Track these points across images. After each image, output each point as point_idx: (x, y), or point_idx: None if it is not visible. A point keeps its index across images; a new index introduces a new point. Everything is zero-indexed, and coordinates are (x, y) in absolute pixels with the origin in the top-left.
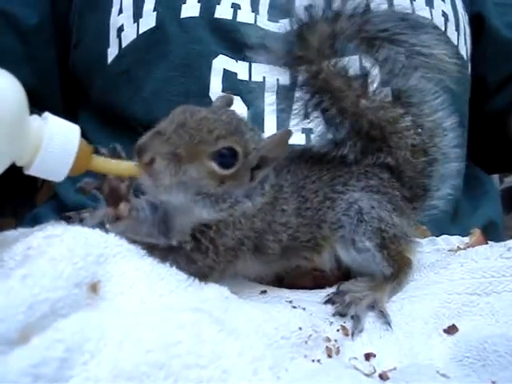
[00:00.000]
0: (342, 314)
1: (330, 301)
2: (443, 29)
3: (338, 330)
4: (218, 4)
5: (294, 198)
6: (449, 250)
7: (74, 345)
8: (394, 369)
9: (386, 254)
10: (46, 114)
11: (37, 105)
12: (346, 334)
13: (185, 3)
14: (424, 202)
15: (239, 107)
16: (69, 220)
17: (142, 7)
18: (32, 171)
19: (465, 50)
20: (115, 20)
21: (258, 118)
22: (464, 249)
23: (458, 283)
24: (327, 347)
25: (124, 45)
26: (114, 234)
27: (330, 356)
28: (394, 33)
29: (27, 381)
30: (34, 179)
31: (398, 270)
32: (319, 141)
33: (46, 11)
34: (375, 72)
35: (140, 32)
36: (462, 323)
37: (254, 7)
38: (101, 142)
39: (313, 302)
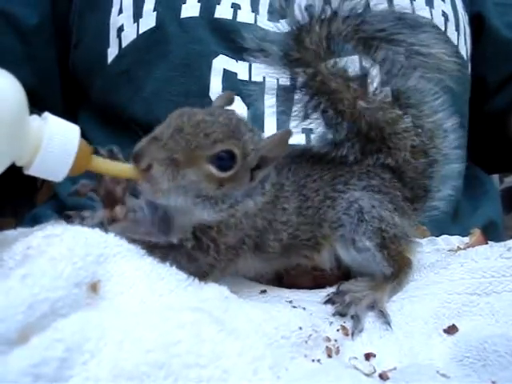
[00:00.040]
0: (341, 314)
1: (330, 301)
2: (443, 29)
3: (337, 330)
4: (218, 4)
5: (295, 197)
6: (449, 250)
7: (74, 344)
8: (394, 369)
9: (386, 254)
10: (46, 114)
11: (37, 105)
12: (346, 334)
13: (185, 3)
14: (425, 203)
15: (239, 107)
16: (69, 219)
17: (142, 7)
18: (32, 171)
19: (465, 49)
20: (115, 20)
21: (258, 119)
22: (464, 249)
23: (458, 283)
24: (327, 347)
25: (124, 45)
26: (114, 234)
27: (329, 356)
28: (391, 32)
29: (27, 381)
30: (34, 179)
31: (398, 269)
32: (319, 141)
33: (46, 11)
34: (375, 72)
35: (140, 32)
36: (462, 323)
37: (254, 7)
38: (101, 142)
39: (313, 301)
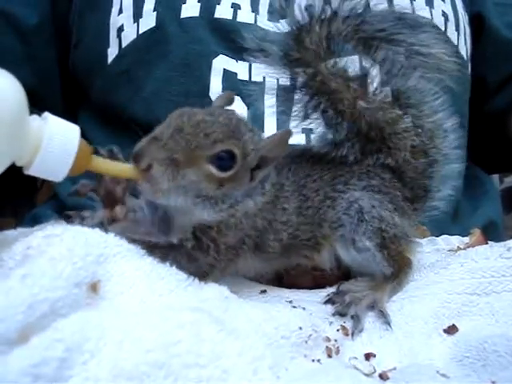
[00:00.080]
0: (341, 314)
1: (329, 301)
2: (443, 29)
3: (337, 330)
4: (218, 4)
5: (295, 197)
6: (449, 250)
7: (74, 344)
8: (394, 369)
9: (386, 254)
10: (46, 114)
11: (37, 105)
12: (346, 334)
13: (185, 3)
14: (425, 203)
15: (239, 107)
16: (69, 219)
17: (142, 7)
18: (32, 171)
19: (465, 49)
20: (115, 20)
21: (258, 119)
22: (464, 249)
23: (457, 283)
24: (327, 347)
25: (124, 45)
26: (114, 234)
27: (329, 356)
28: (391, 32)
29: (27, 381)
30: (34, 179)
31: (398, 269)
32: (319, 141)
33: (46, 11)
34: (374, 72)
35: (140, 32)
36: (462, 323)
37: (254, 7)
38: (101, 142)
39: (313, 301)
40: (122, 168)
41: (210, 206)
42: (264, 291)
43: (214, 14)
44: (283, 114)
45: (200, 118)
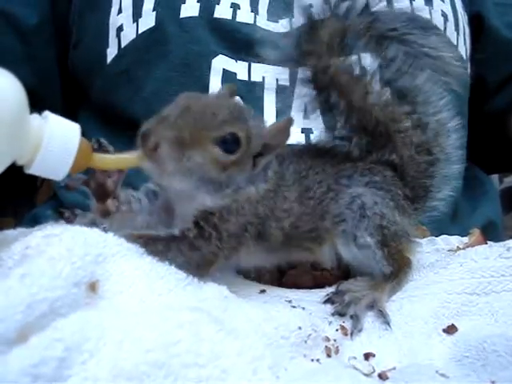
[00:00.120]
0: (341, 314)
1: (329, 300)
2: (442, 29)
3: (337, 330)
4: (218, 4)
5: (296, 186)
6: (448, 250)
7: (73, 344)
8: (394, 368)
9: (387, 252)
10: (47, 113)
11: (37, 105)
12: (346, 334)
13: (184, 3)
14: (425, 203)
15: None
16: (62, 216)
17: (142, 7)
18: (32, 170)
19: (464, 49)
20: (114, 20)
21: None
22: (463, 249)
23: (457, 283)
24: (326, 347)
25: (123, 45)
26: (113, 234)
27: (329, 355)
28: (403, 32)
29: (26, 381)
30: (34, 179)
31: (397, 269)
32: (324, 136)
33: (46, 11)
34: (377, 73)
35: (139, 32)
36: (462, 323)
37: (254, 7)
38: None
39: (312, 301)
40: (122, 159)
41: (214, 191)
42: (263, 291)
43: (213, 13)
44: (283, 114)
45: (207, 100)
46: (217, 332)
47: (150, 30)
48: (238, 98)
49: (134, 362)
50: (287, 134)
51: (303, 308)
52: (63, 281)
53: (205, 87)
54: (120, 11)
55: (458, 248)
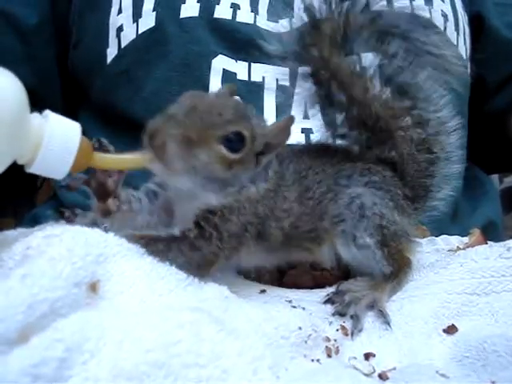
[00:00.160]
0: (341, 314)
1: (329, 300)
2: (442, 29)
3: (337, 330)
4: (218, 4)
5: (296, 186)
6: (448, 250)
7: (74, 344)
8: (394, 369)
9: (387, 252)
10: (47, 112)
11: (37, 105)
12: (346, 334)
13: (184, 3)
14: (425, 203)
15: None
16: (62, 216)
17: (142, 7)
18: (33, 169)
19: (464, 49)
20: (114, 20)
21: None
22: (463, 249)
23: (457, 283)
24: (327, 347)
25: (123, 45)
26: (114, 234)
27: (329, 356)
28: (405, 29)
29: (27, 381)
30: (34, 179)
31: (397, 269)
32: (323, 136)
33: (46, 11)
34: (377, 72)
35: (139, 32)
36: (462, 323)
37: (254, 7)
38: None
39: (312, 301)
40: (123, 159)
41: (219, 189)
42: (264, 291)
43: (213, 14)
44: (283, 114)
45: (211, 99)
46: (217, 332)
47: (150, 30)
48: (237, 97)
49: (135, 362)
50: (288, 133)
51: (303, 308)
52: (64, 281)
53: (205, 87)
54: (120, 11)
55: (458, 248)
